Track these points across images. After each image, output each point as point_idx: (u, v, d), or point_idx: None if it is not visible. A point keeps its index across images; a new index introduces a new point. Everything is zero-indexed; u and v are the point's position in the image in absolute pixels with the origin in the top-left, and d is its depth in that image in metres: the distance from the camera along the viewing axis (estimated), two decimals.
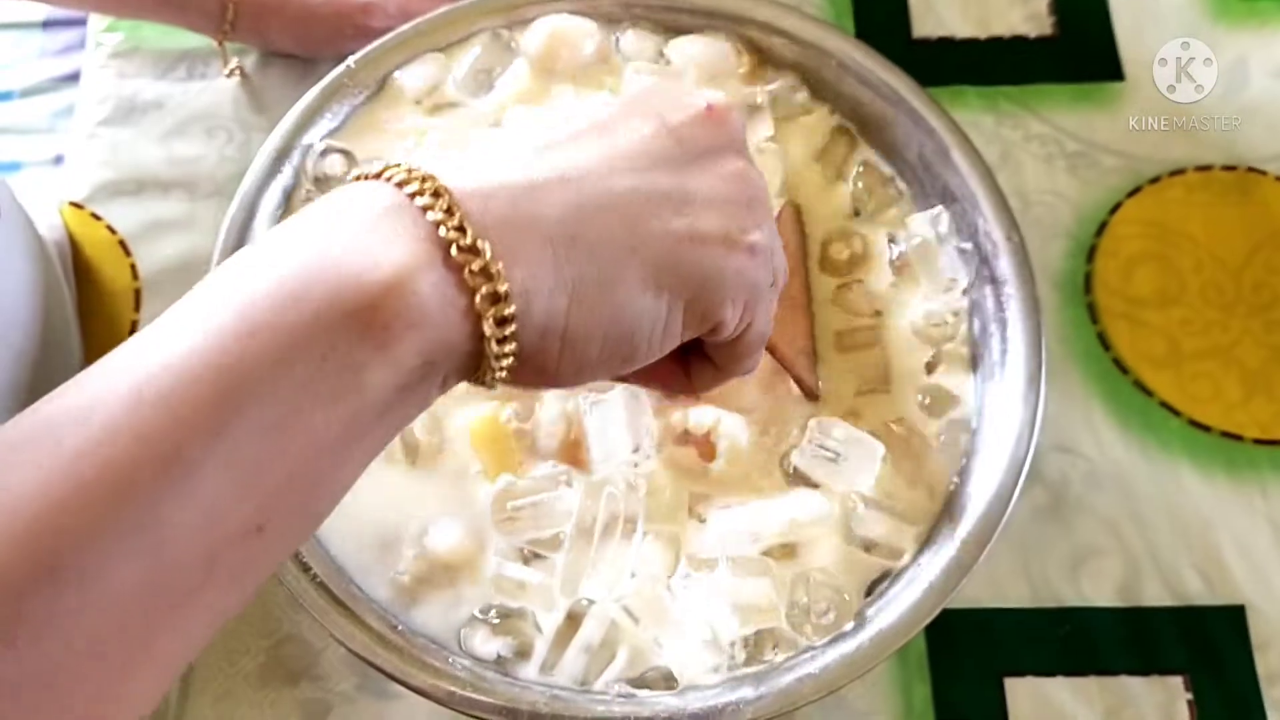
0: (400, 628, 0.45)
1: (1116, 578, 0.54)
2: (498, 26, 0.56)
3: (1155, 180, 0.63)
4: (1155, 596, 0.54)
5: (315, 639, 0.53)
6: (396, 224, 0.29)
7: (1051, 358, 0.57)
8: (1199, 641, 0.53)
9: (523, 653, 0.45)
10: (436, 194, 0.29)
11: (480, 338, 0.30)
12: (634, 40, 0.57)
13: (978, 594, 0.54)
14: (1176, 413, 0.58)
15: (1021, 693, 0.52)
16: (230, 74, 0.66)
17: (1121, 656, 0.53)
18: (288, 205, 0.53)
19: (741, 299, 0.35)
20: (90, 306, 0.60)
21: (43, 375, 0.49)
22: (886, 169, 0.55)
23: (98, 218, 0.63)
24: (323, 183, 0.53)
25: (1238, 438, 0.57)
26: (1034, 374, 0.47)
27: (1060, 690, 0.52)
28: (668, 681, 0.45)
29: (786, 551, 0.47)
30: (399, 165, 0.30)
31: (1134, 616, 0.54)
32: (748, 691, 0.43)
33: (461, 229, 0.29)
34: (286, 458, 0.27)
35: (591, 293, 0.31)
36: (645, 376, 0.39)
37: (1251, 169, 0.64)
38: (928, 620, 0.43)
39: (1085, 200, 0.63)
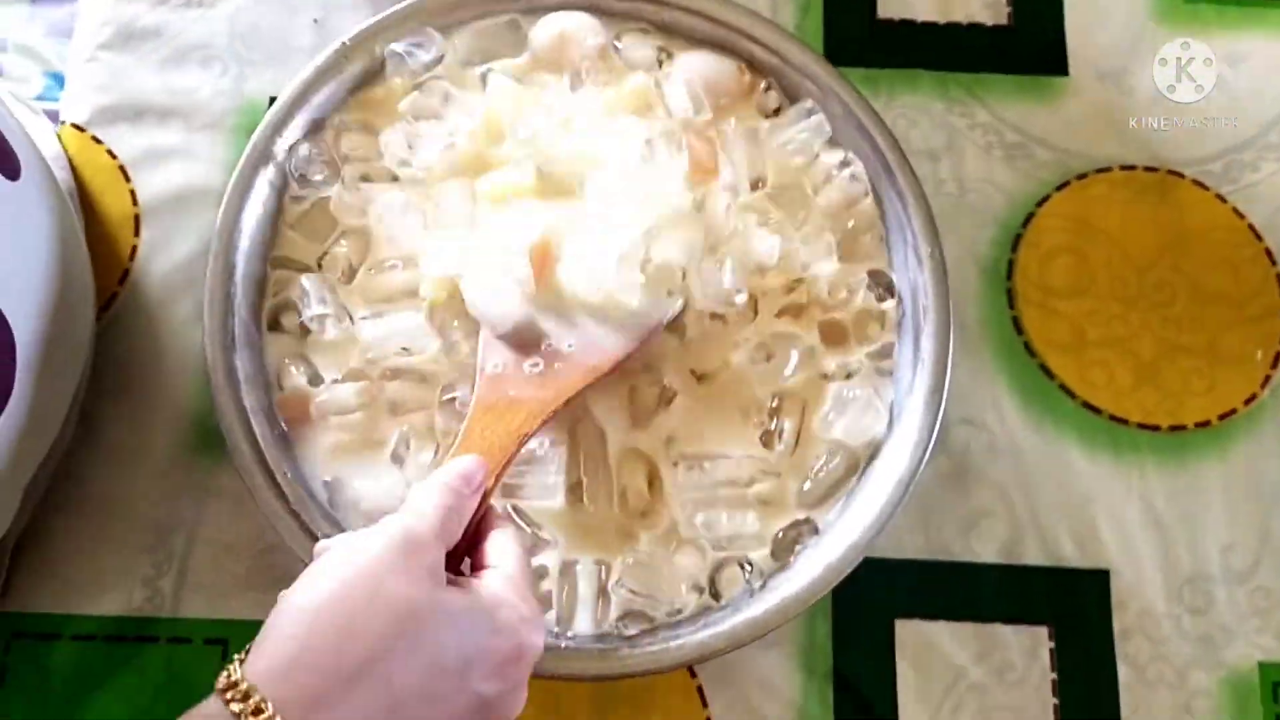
0: None
1: (1002, 538, 0.62)
2: (511, 12, 0.61)
3: (1083, 176, 0.69)
4: (1033, 557, 0.62)
5: (299, 549, 0.60)
6: None
7: (969, 337, 0.64)
8: (1066, 598, 0.61)
9: None
10: None
11: None
12: (633, 45, 0.62)
13: (881, 545, 0.61)
14: (1073, 395, 0.65)
15: (908, 632, 0.61)
16: None
17: (997, 607, 0.61)
18: (279, 206, 0.58)
19: None
20: (92, 231, 0.64)
21: (64, 313, 0.54)
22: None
23: (98, 141, 0.66)
24: (307, 183, 0.58)
25: (1124, 421, 0.65)
26: (937, 386, 0.54)
27: (941, 632, 0.61)
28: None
29: None
30: None
31: (1013, 573, 0.62)
32: (696, 634, 0.51)
33: None
34: None
35: None
36: None
37: (1171, 171, 0.69)
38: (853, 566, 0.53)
39: (1017, 191, 0.68)
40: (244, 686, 0.38)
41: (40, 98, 0.68)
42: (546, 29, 0.60)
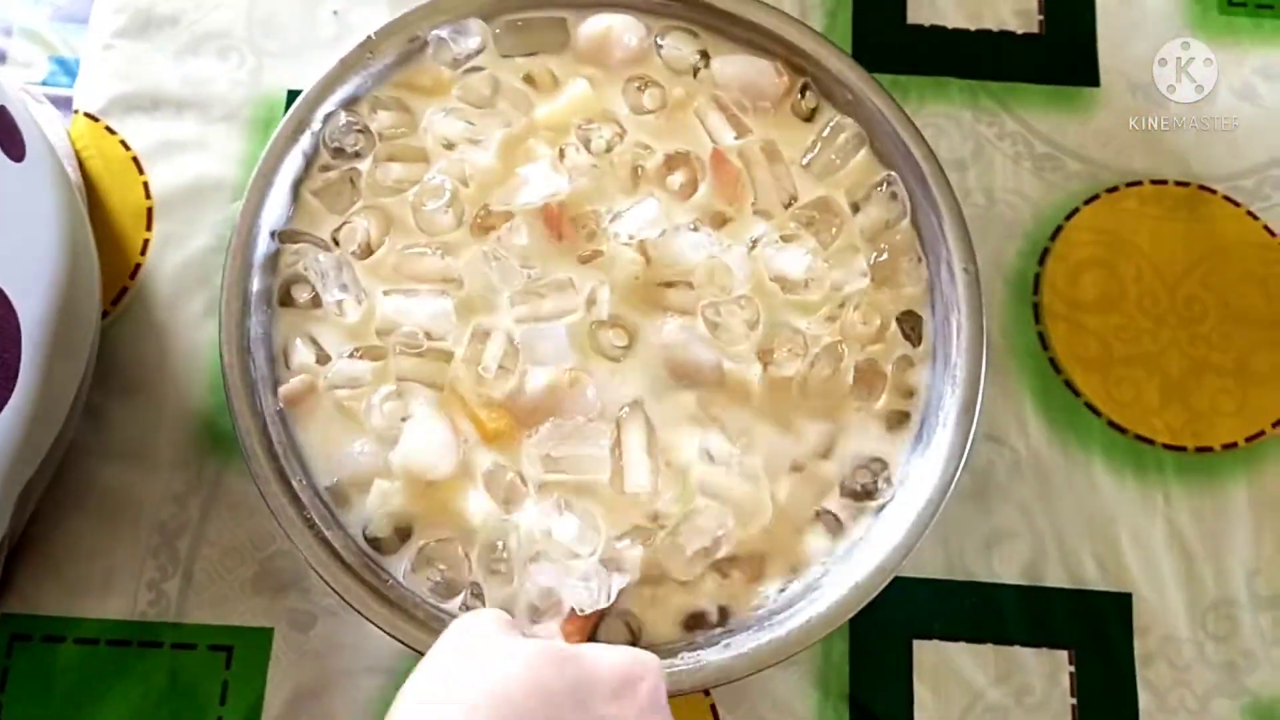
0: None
1: (1024, 559, 0.61)
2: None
3: (1113, 189, 0.68)
4: (1055, 578, 0.61)
5: (312, 559, 0.58)
6: None
7: (993, 352, 0.63)
8: (1088, 621, 0.60)
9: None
10: None
11: None
12: (674, 44, 0.61)
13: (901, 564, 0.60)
14: (1099, 413, 0.64)
15: (926, 654, 0.60)
16: None
17: (1018, 629, 0.60)
18: (308, 170, 0.56)
19: None
20: (103, 223, 0.63)
21: (69, 299, 0.52)
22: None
23: (112, 131, 0.65)
24: (340, 154, 0.56)
25: (1149, 441, 0.63)
26: (968, 405, 0.53)
27: (961, 654, 0.60)
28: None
29: None
30: None
31: (1034, 594, 0.61)
32: (717, 655, 0.50)
33: None
34: None
35: None
36: None
37: (1202, 187, 0.68)
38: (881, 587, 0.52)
39: (1046, 203, 0.67)
40: None
41: (45, 83, 0.67)
42: (593, 26, 0.60)
